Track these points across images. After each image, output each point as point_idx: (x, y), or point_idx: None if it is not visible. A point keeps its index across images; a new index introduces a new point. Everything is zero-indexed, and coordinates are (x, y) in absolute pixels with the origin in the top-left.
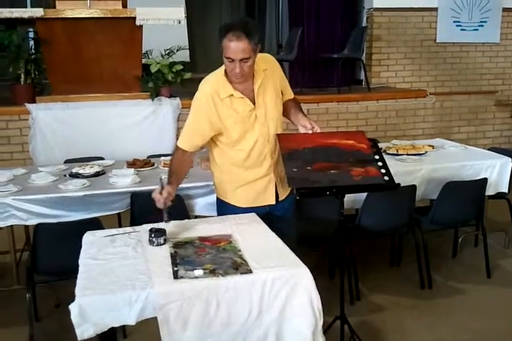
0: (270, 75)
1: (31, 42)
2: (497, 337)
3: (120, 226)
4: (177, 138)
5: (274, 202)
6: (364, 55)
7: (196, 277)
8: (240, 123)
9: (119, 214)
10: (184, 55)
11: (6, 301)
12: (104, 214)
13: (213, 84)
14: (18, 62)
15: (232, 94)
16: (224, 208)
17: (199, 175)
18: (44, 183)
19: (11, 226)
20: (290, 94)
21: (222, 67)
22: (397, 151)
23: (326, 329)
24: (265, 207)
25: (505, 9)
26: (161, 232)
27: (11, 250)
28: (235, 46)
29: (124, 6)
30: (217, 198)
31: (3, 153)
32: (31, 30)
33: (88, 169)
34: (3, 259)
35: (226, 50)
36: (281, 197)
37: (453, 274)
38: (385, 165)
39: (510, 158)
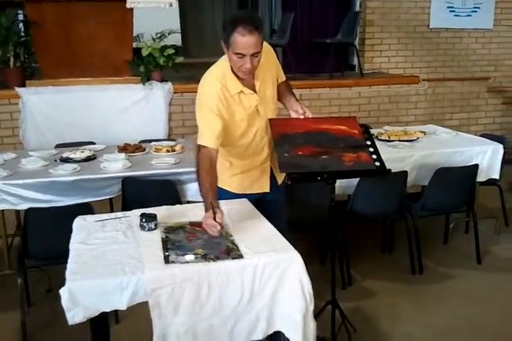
0: (267, 66)
1: (20, 25)
2: (487, 322)
3: (112, 211)
4: (169, 123)
5: (268, 190)
6: (357, 40)
7: (187, 262)
8: (246, 120)
9: (111, 199)
10: (176, 39)
11: None
12: (96, 199)
13: (220, 79)
14: (7, 45)
15: (242, 91)
16: (219, 194)
17: (191, 160)
18: (34, 168)
19: (2, 210)
20: (282, 78)
21: (225, 62)
22: (389, 137)
23: (318, 314)
24: (259, 194)
25: None
26: (152, 217)
27: (2, 235)
28: (248, 41)
29: None
30: None
31: None
32: (20, 12)
33: (79, 154)
34: None
35: (236, 45)
36: (280, 182)
37: (444, 260)
38: (376, 151)
39: (501, 145)
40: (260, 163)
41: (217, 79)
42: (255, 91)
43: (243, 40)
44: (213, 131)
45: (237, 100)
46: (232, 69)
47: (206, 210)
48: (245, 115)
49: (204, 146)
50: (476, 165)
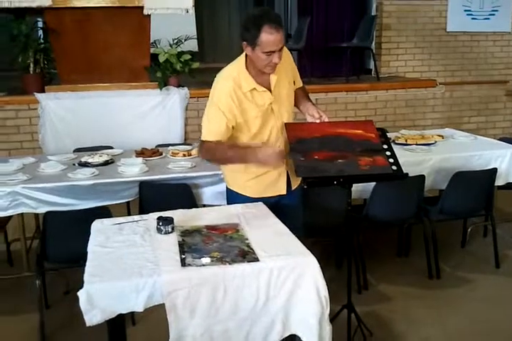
0: (283, 66)
1: (40, 32)
2: (505, 326)
3: (129, 214)
4: (185, 128)
5: (285, 193)
6: (373, 44)
7: (203, 265)
8: (260, 117)
9: (128, 202)
10: (192, 45)
11: (16, 288)
12: (113, 202)
13: (234, 77)
14: (27, 51)
15: (254, 88)
16: (235, 198)
17: (207, 164)
18: (53, 172)
19: (21, 214)
20: (299, 83)
21: (240, 60)
22: (406, 141)
23: (333, 318)
24: (276, 197)
25: None
26: (168, 221)
27: (21, 237)
28: (275, 38)
29: None
30: (228, 188)
31: (13, 143)
32: (40, 19)
33: (97, 158)
34: (13, 247)
35: (266, 44)
36: (294, 186)
37: (461, 264)
38: (393, 155)
39: None
40: None
41: (231, 77)
42: (269, 90)
43: (272, 38)
44: (219, 127)
45: (249, 97)
46: (246, 68)
47: (257, 152)
48: (259, 112)
49: (206, 141)
50: (495, 169)
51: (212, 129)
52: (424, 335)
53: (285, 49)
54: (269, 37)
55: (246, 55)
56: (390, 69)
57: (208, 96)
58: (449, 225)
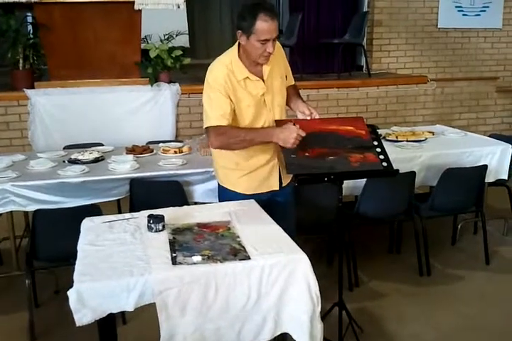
0: (276, 60)
1: (29, 27)
2: (495, 323)
3: (120, 212)
4: (176, 124)
5: (277, 188)
6: (365, 40)
7: (195, 263)
8: (253, 107)
9: (118, 200)
10: (183, 40)
11: (5, 287)
12: (104, 200)
13: (228, 65)
14: (16, 47)
15: (247, 77)
16: (226, 195)
17: (198, 161)
18: (43, 169)
19: (11, 212)
20: (291, 80)
21: (233, 50)
22: (397, 138)
23: (324, 316)
24: (268, 193)
25: None
26: (159, 218)
27: (10, 236)
28: (271, 26)
29: None
30: (220, 185)
31: (2, 139)
32: (29, 14)
33: (87, 155)
34: (2, 245)
35: (261, 32)
36: (285, 183)
37: (452, 261)
38: (383, 152)
39: (510, 145)
40: (267, 160)
41: (224, 65)
42: (263, 81)
43: (267, 26)
44: (224, 110)
45: (243, 86)
46: (239, 57)
47: (279, 131)
48: (252, 101)
49: (215, 126)
50: (485, 166)
51: (217, 113)
52: (414, 332)
53: (278, 44)
54: (264, 25)
55: (239, 45)
56: (382, 66)
57: (200, 93)
58: (439, 222)
